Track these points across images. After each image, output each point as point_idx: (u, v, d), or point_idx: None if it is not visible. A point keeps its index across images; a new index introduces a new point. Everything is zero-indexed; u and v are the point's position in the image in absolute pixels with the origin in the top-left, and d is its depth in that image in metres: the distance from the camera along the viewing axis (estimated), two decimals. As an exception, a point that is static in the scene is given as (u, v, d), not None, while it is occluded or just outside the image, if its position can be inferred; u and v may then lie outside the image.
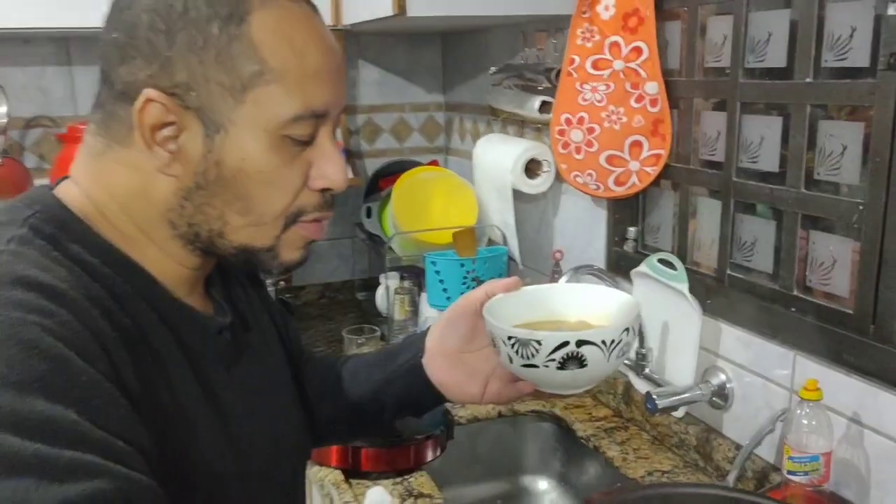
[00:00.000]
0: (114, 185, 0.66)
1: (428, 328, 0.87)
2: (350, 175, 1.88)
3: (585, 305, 0.83)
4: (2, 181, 1.59)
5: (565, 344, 0.71)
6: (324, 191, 0.68)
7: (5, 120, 1.70)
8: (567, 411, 1.53)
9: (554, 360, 0.72)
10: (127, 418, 0.56)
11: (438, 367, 0.84)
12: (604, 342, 0.72)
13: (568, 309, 0.83)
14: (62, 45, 1.91)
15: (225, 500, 0.70)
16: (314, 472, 1.32)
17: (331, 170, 0.67)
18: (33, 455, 0.48)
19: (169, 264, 0.68)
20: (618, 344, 0.73)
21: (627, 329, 0.74)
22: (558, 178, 1.62)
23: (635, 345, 1.35)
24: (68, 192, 0.67)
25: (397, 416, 0.89)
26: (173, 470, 0.63)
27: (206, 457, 0.68)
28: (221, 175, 0.63)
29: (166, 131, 0.62)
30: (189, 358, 0.68)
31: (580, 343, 0.72)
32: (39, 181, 1.77)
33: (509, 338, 0.74)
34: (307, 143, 0.65)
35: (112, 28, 0.63)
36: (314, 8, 0.67)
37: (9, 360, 0.51)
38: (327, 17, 1.78)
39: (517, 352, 0.73)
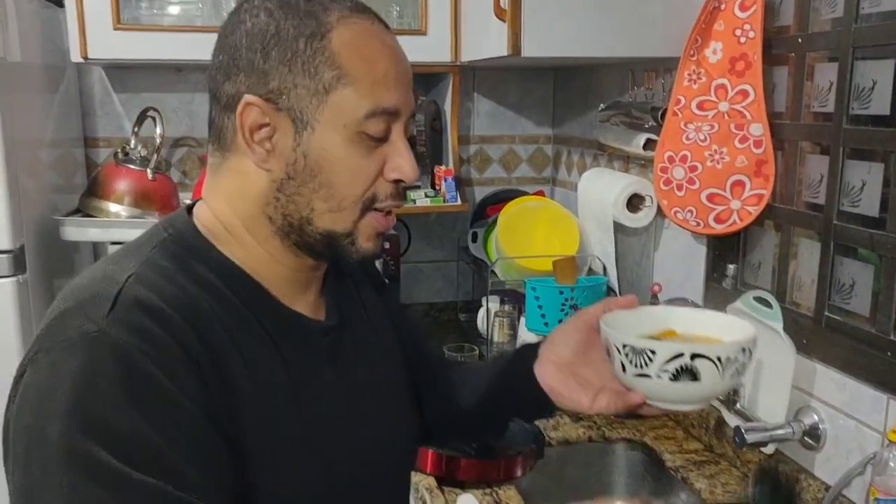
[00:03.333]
0: (226, 191, 0.78)
1: (542, 339, 0.94)
2: (458, 201, 1.99)
3: (702, 326, 0.85)
4: (153, 194, 1.79)
5: (680, 355, 0.74)
6: (396, 182, 0.78)
7: (160, 140, 1.91)
8: (657, 441, 1.56)
9: (667, 370, 0.74)
10: (201, 439, 0.67)
11: (550, 374, 0.90)
12: (719, 358, 0.74)
13: (685, 328, 0.85)
14: (209, 74, 2.12)
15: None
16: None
17: (402, 163, 0.77)
18: (113, 471, 0.61)
19: (273, 266, 0.79)
20: (734, 363, 0.75)
21: (744, 349, 0.76)
22: (660, 213, 1.66)
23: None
24: (200, 213, 0.80)
25: (509, 420, 0.97)
26: (261, 472, 0.73)
27: (296, 456, 0.76)
28: (308, 165, 0.74)
29: (263, 132, 0.75)
30: (286, 360, 0.78)
31: (694, 356, 0.74)
32: (183, 195, 1.97)
33: (623, 346, 0.77)
34: (382, 139, 0.76)
35: (219, 53, 0.77)
36: (384, 24, 0.78)
37: (108, 378, 0.64)
38: (446, 55, 1.91)
39: (631, 361, 0.76)
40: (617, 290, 1.82)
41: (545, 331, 1.77)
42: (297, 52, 0.73)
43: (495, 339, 1.95)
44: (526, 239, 1.90)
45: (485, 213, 2.20)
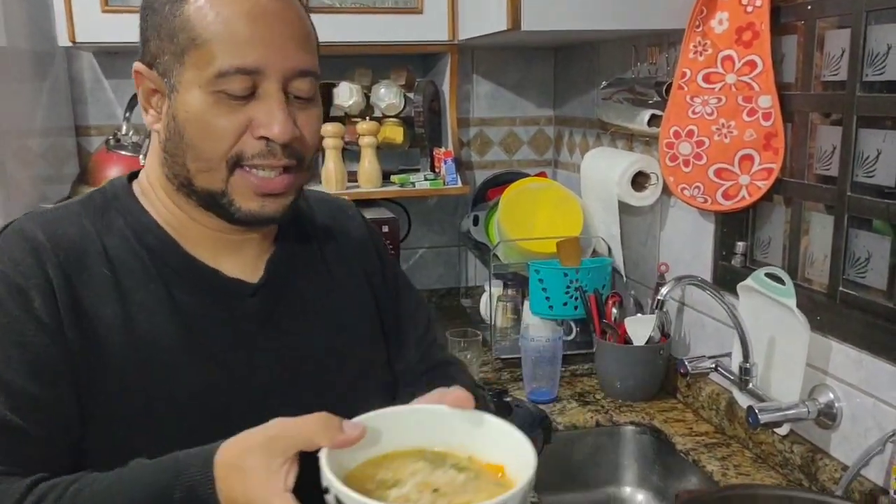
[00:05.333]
0: (150, 150, 0.85)
1: None
2: (458, 183, 1.95)
3: (477, 436, 0.67)
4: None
5: None
6: (268, 141, 0.77)
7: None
8: (667, 424, 1.52)
9: None
10: (43, 361, 0.73)
11: None
12: None
13: (454, 437, 0.67)
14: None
15: None
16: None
17: (268, 120, 0.77)
18: None
19: (193, 225, 0.83)
20: None
21: None
22: (665, 191, 1.62)
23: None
24: (140, 175, 0.87)
25: None
26: (134, 419, 0.76)
27: (184, 409, 0.77)
28: (175, 127, 0.78)
29: (156, 97, 0.80)
30: (185, 314, 0.80)
31: None
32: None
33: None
34: (247, 97, 0.77)
35: None
36: None
37: None
38: (443, 33, 1.85)
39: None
40: (622, 272, 1.78)
41: (550, 314, 1.73)
42: (163, 18, 0.77)
43: (499, 324, 1.91)
44: (528, 221, 1.86)
45: (486, 196, 2.16)
